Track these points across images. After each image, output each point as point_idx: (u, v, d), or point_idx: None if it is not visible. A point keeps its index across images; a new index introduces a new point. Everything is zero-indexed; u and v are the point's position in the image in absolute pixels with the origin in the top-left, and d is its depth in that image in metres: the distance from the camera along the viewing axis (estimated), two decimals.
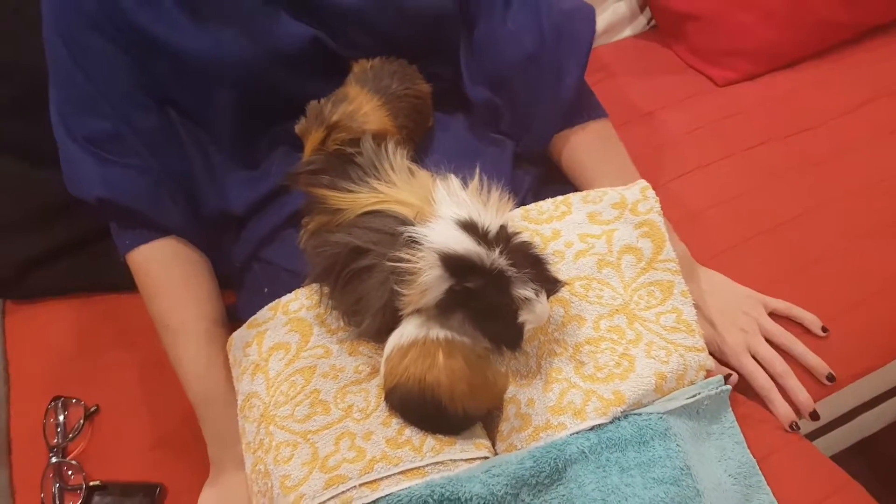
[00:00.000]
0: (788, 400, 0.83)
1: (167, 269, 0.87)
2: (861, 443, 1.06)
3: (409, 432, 0.69)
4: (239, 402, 0.79)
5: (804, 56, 1.27)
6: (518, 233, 0.69)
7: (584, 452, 0.68)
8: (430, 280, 0.64)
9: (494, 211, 0.68)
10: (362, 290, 0.71)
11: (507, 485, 0.66)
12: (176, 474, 0.88)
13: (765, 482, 0.74)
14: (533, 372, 0.73)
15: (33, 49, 0.86)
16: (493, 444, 0.73)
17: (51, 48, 0.83)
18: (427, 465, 0.68)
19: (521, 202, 0.86)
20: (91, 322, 1.04)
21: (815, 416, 0.84)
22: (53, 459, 0.90)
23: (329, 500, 0.66)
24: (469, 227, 0.65)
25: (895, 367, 0.95)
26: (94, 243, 1.05)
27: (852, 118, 1.17)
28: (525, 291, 0.65)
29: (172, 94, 0.87)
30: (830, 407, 0.91)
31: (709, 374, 0.76)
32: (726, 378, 0.78)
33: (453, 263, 0.64)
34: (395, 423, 0.70)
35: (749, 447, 0.75)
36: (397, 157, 0.74)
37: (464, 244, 0.64)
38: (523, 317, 0.66)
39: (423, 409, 0.68)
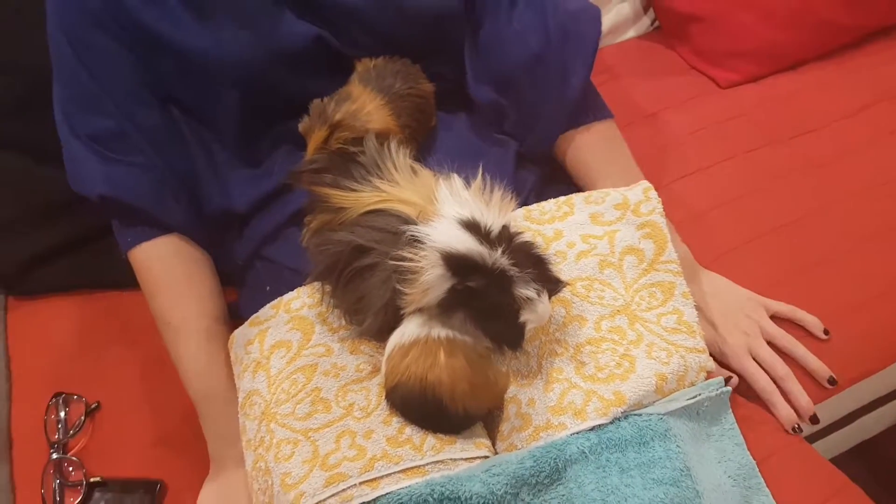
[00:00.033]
0: (789, 403, 0.83)
1: (169, 267, 0.87)
2: (861, 445, 1.06)
3: (410, 431, 0.69)
4: (240, 399, 0.79)
5: (807, 58, 1.27)
6: (520, 233, 0.69)
7: (585, 452, 0.68)
8: (432, 279, 0.64)
9: (497, 211, 0.68)
10: (364, 288, 0.71)
11: (507, 484, 0.66)
12: (176, 471, 0.88)
13: (764, 484, 0.74)
14: (534, 372, 0.73)
15: (36, 47, 0.86)
16: (494, 444, 0.73)
17: (55, 46, 0.83)
18: (427, 464, 0.68)
19: (524, 202, 0.86)
20: (93, 319, 1.04)
21: (815, 419, 0.84)
22: (54, 455, 0.90)
23: (329, 497, 0.66)
24: (471, 227, 0.65)
25: (895, 370, 0.95)
26: (97, 240, 1.05)
27: (855, 121, 1.17)
28: (527, 291, 0.65)
29: (176, 93, 0.87)
30: (830, 409, 0.91)
31: (709, 375, 0.76)
32: (727, 380, 0.78)
33: (455, 262, 0.64)
34: (396, 421, 0.70)
35: (749, 449, 0.75)
36: (400, 157, 0.74)
37: (466, 243, 0.64)
38: (525, 316, 0.66)
39: (424, 407, 0.68)
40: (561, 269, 0.78)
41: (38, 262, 1.06)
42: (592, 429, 0.70)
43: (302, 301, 0.80)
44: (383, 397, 0.72)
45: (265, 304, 0.81)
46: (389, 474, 0.67)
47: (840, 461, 0.84)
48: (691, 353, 0.74)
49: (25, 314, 1.07)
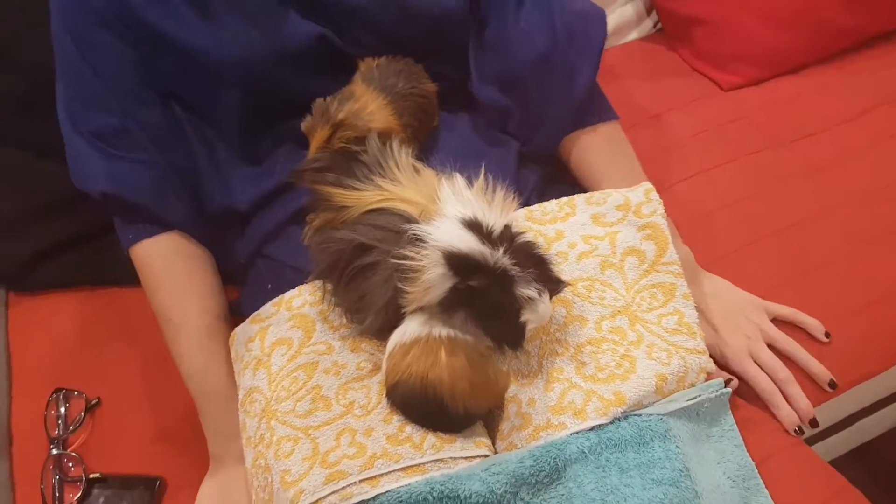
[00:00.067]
0: (789, 406, 0.83)
1: (170, 264, 0.87)
2: (861, 448, 1.06)
3: (410, 429, 0.70)
4: (240, 396, 0.79)
5: (809, 62, 1.27)
6: (522, 233, 0.69)
7: (584, 452, 0.68)
8: (433, 278, 0.65)
9: (499, 210, 0.68)
10: (366, 287, 0.71)
11: (506, 483, 0.66)
12: (176, 468, 0.88)
13: (763, 485, 0.74)
14: (534, 371, 0.74)
15: (39, 45, 0.87)
16: (494, 443, 0.73)
17: (59, 44, 0.84)
18: (427, 463, 0.68)
19: (526, 202, 0.86)
20: (94, 315, 1.04)
21: (814, 423, 0.84)
22: (54, 451, 0.90)
23: (329, 495, 0.66)
24: (473, 226, 0.65)
25: (895, 372, 0.95)
26: (99, 237, 1.06)
27: (856, 124, 1.17)
28: (528, 291, 0.65)
29: (178, 90, 0.87)
30: (830, 412, 0.91)
31: (709, 377, 0.76)
32: (727, 382, 0.78)
33: (457, 262, 0.64)
34: (396, 420, 0.70)
35: (748, 450, 0.75)
36: (402, 156, 0.74)
37: (468, 243, 0.64)
38: (526, 316, 0.67)
39: (425, 406, 0.69)
40: (562, 270, 0.78)
41: (40, 259, 1.07)
42: (592, 429, 0.70)
43: (303, 299, 0.81)
44: (384, 395, 0.72)
45: (266, 302, 0.82)
46: (389, 472, 0.67)
47: (840, 463, 0.84)
48: (691, 354, 0.75)
49: (27, 310, 1.07)
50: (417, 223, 0.67)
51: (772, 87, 1.24)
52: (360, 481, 0.67)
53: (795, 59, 1.26)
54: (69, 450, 0.91)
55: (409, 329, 0.68)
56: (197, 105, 0.88)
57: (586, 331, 0.76)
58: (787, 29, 1.24)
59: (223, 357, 0.84)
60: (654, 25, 1.40)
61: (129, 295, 1.02)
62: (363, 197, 0.72)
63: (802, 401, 0.83)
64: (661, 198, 0.83)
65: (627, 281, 0.79)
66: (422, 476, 0.67)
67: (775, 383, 0.84)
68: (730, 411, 0.77)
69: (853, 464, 0.98)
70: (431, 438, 0.69)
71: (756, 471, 0.74)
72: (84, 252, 1.07)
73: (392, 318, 0.70)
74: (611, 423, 0.70)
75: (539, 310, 0.66)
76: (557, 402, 0.71)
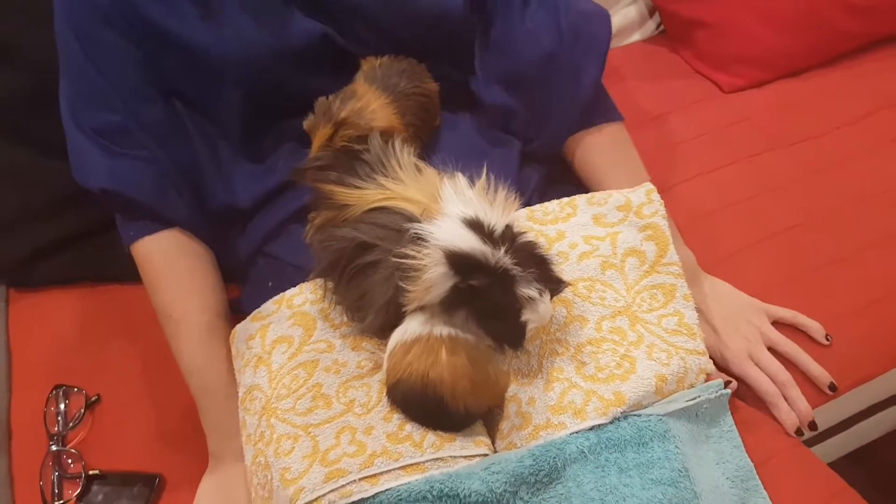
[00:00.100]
0: None
1: (171, 261, 0.87)
2: (860, 450, 1.06)
3: (410, 428, 0.70)
4: (240, 394, 0.79)
5: (811, 64, 1.27)
6: (523, 232, 0.69)
7: (584, 452, 0.68)
8: (434, 277, 0.65)
9: (500, 210, 0.68)
10: (367, 285, 0.71)
11: (505, 482, 0.66)
12: (175, 465, 0.88)
13: (762, 486, 0.74)
14: (534, 371, 0.74)
15: (43, 42, 0.87)
16: (493, 442, 0.73)
17: (62, 42, 0.84)
18: (427, 461, 0.68)
19: (527, 202, 0.86)
20: (94, 312, 1.04)
21: (813, 426, 0.84)
22: (53, 448, 0.90)
23: (329, 493, 0.66)
24: (475, 226, 0.66)
25: (894, 375, 0.95)
26: (100, 234, 1.06)
27: (858, 127, 1.17)
28: (529, 291, 0.65)
29: (181, 88, 0.87)
30: (829, 414, 0.91)
31: (708, 377, 0.76)
32: (726, 384, 0.78)
33: (458, 261, 0.64)
34: (396, 418, 0.70)
35: (747, 452, 0.76)
36: (404, 155, 0.74)
37: (469, 242, 0.65)
38: (526, 316, 0.67)
39: (425, 405, 0.69)
40: (563, 270, 0.79)
41: (41, 255, 1.07)
42: (592, 428, 0.70)
43: (304, 297, 0.81)
44: (384, 394, 0.72)
45: (267, 300, 0.82)
46: (389, 471, 0.67)
47: (839, 466, 0.84)
48: (691, 354, 0.75)
49: (27, 306, 1.07)
50: (419, 222, 0.67)
51: (774, 90, 1.25)
52: (360, 479, 0.67)
53: (797, 62, 1.27)
54: (69, 446, 0.91)
55: (410, 328, 0.69)
56: (199, 102, 0.88)
57: (586, 331, 0.76)
58: (789, 31, 1.24)
59: (223, 354, 0.84)
60: (657, 27, 1.40)
61: (129, 292, 1.02)
62: (365, 195, 0.72)
63: (802, 404, 0.83)
64: (662, 199, 0.83)
65: (628, 281, 0.79)
66: (421, 475, 0.67)
67: (776, 386, 0.84)
68: (729, 412, 0.77)
69: (852, 466, 0.98)
70: (431, 437, 0.69)
71: (755, 472, 0.75)
72: (85, 249, 1.07)
73: (393, 316, 0.70)
74: (610, 423, 0.70)
75: (540, 310, 0.66)
76: (557, 402, 0.71)
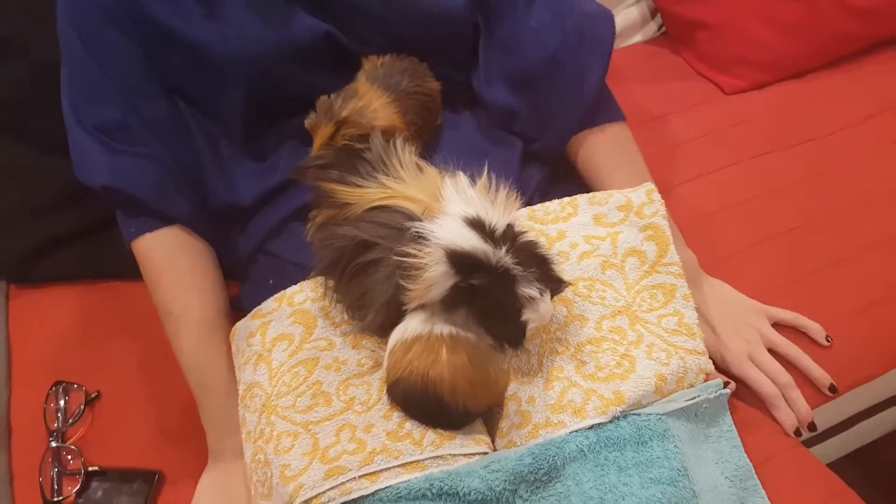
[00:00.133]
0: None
1: (172, 258, 0.87)
2: (859, 451, 1.06)
3: (410, 426, 0.70)
4: (240, 391, 0.79)
5: (813, 66, 1.27)
6: (524, 232, 0.69)
7: (583, 451, 0.68)
8: (435, 276, 0.65)
9: (502, 209, 0.68)
10: (368, 283, 0.71)
11: (505, 480, 0.66)
12: (175, 462, 0.88)
13: (760, 486, 0.74)
14: (534, 370, 0.74)
15: (45, 38, 0.87)
16: (493, 441, 0.73)
17: (65, 40, 0.84)
18: (426, 459, 0.68)
19: (528, 201, 0.86)
20: (95, 309, 1.04)
21: (812, 427, 0.84)
22: (53, 444, 0.90)
23: (328, 490, 0.67)
24: (476, 225, 0.66)
25: (894, 375, 0.95)
26: (100, 231, 1.06)
27: (859, 130, 1.17)
28: (529, 290, 0.65)
29: (184, 86, 0.87)
30: (829, 414, 0.92)
31: (708, 378, 0.76)
32: (725, 384, 0.78)
33: (459, 260, 0.64)
34: (396, 416, 0.71)
35: (747, 452, 0.76)
36: (406, 154, 0.74)
37: (470, 241, 0.65)
38: (527, 315, 0.67)
39: (425, 403, 0.69)
40: (563, 269, 0.79)
41: (42, 252, 1.07)
42: (591, 427, 0.70)
43: (305, 295, 0.81)
44: (384, 392, 0.72)
45: (268, 298, 0.82)
46: (389, 468, 0.67)
47: (838, 466, 0.84)
48: (691, 354, 0.75)
49: (28, 302, 1.07)
50: (420, 221, 0.68)
51: (775, 92, 1.25)
52: (360, 477, 0.67)
53: (799, 64, 1.27)
54: (68, 443, 0.91)
55: (411, 326, 0.69)
56: (201, 101, 0.88)
57: (587, 330, 0.76)
58: (790, 33, 1.24)
59: (224, 352, 0.84)
60: (659, 29, 1.40)
61: (130, 289, 1.02)
62: (366, 194, 0.72)
63: (802, 405, 0.84)
64: (663, 199, 0.83)
65: (628, 281, 0.79)
66: (421, 472, 0.67)
67: (776, 387, 0.84)
68: (728, 412, 0.77)
69: (851, 466, 0.98)
70: (431, 435, 0.69)
71: (753, 471, 0.75)
72: (86, 246, 1.07)
73: (393, 315, 0.70)
74: (610, 422, 0.70)
75: (540, 309, 0.67)
76: (557, 401, 0.71)
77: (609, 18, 0.91)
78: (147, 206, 0.85)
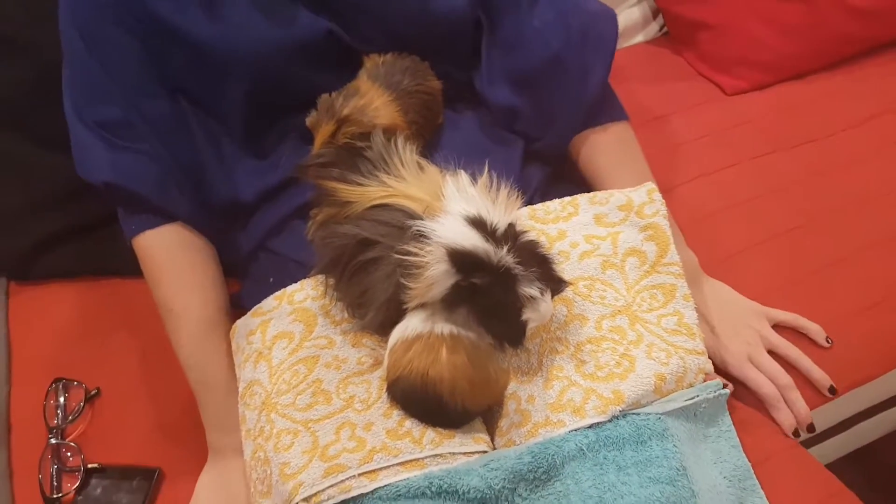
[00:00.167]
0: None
1: (172, 255, 0.87)
2: (859, 451, 1.06)
3: (410, 424, 0.70)
4: (240, 389, 0.79)
5: (814, 68, 1.27)
6: (525, 231, 0.69)
7: (582, 450, 0.68)
8: (436, 274, 0.65)
9: (503, 209, 0.68)
10: (368, 282, 0.71)
11: (504, 479, 0.66)
12: (174, 459, 0.88)
13: (759, 486, 0.74)
14: (534, 369, 0.74)
15: (47, 36, 0.87)
16: (492, 439, 0.73)
17: (66, 36, 0.84)
18: (426, 457, 0.68)
19: (529, 201, 0.87)
20: (95, 306, 1.05)
21: (811, 428, 0.85)
22: (52, 441, 0.90)
23: (328, 488, 0.67)
24: (477, 224, 0.66)
25: (894, 376, 0.95)
26: (101, 228, 1.06)
27: (860, 131, 1.17)
28: (530, 290, 0.65)
29: (186, 84, 0.87)
30: (828, 415, 0.92)
31: (707, 378, 0.76)
32: (724, 385, 0.78)
33: (460, 259, 0.64)
34: (396, 414, 0.71)
35: (745, 452, 0.76)
36: (407, 152, 0.74)
37: (471, 240, 0.65)
38: (527, 315, 0.67)
39: (425, 402, 0.69)
40: (564, 269, 0.79)
41: (43, 249, 1.07)
42: (591, 426, 0.70)
43: (305, 293, 0.81)
44: (384, 390, 0.72)
45: (268, 296, 0.82)
46: (388, 466, 0.67)
47: (837, 467, 0.84)
48: (690, 354, 0.75)
49: (28, 299, 1.07)
50: (421, 219, 0.67)
51: (776, 92, 1.25)
52: (359, 475, 0.67)
53: (800, 65, 1.27)
54: (68, 439, 0.91)
55: (412, 325, 0.69)
56: (203, 98, 0.88)
57: (586, 330, 0.76)
58: (791, 34, 1.24)
59: (224, 349, 0.84)
60: (660, 29, 1.40)
61: (130, 286, 1.02)
62: (367, 193, 0.72)
63: (802, 407, 0.84)
64: (663, 199, 0.83)
65: (628, 281, 0.80)
66: (420, 471, 0.67)
67: (776, 388, 0.84)
68: (727, 412, 0.77)
69: (850, 467, 0.98)
70: (431, 434, 0.69)
71: (752, 471, 0.75)
72: (86, 243, 1.08)
73: (394, 313, 0.70)
74: (609, 421, 0.70)
75: (541, 308, 0.67)
76: (556, 400, 0.71)
77: (612, 18, 0.91)
78: (148, 203, 0.85)
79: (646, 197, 0.83)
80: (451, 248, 0.64)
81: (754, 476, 0.74)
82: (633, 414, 0.71)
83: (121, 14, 0.82)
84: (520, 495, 0.67)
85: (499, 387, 0.73)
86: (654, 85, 1.28)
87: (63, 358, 0.99)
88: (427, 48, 0.89)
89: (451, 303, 0.67)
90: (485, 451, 0.71)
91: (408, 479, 0.66)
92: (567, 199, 0.85)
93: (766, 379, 0.84)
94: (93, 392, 0.95)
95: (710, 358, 0.77)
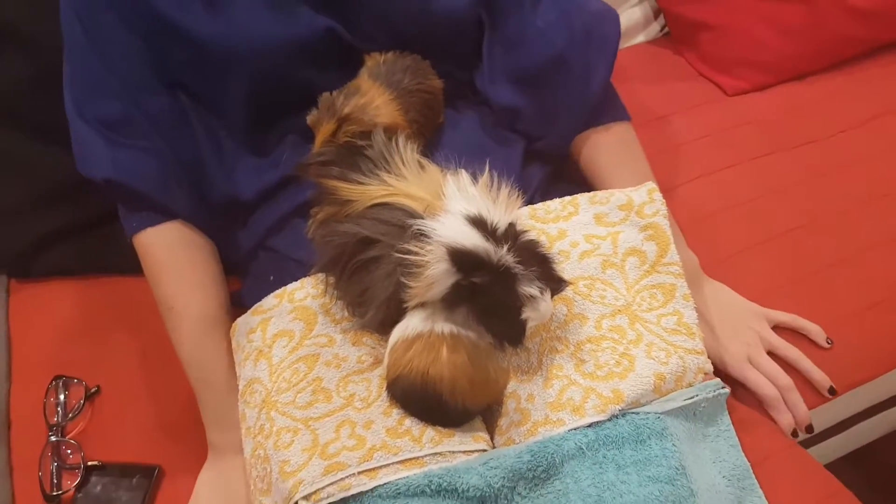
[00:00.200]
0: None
1: (173, 253, 0.87)
2: (858, 452, 1.07)
3: (409, 423, 0.70)
4: (241, 387, 0.79)
5: (816, 69, 1.27)
6: (526, 230, 0.69)
7: (582, 449, 0.68)
8: (436, 273, 0.65)
9: (503, 208, 0.68)
10: (368, 281, 0.71)
11: (504, 477, 0.66)
12: (174, 457, 0.88)
13: (758, 485, 0.74)
14: (534, 368, 0.74)
15: (48, 29, 0.87)
16: (492, 438, 0.73)
17: (67, 32, 0.84)
18: (426, 456, 0.68)
19: (530, 200, 0.87)
20: (95, 303, 1.05)
21: (810, 429, 0.85)
22: (52, 438, 0.90)
23: (327, 486, 0.67)
24: (478, 223, 0.66)
25: (893, 377, 0.95)
26: (102, 226, 1.06)
27: (861, 131, 1.17)
28: (530, 289, 0.65)
29: (187, 81, 0.87)
30: (827, 415, 0.92)
31: (706, 377, 0.76)
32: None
33: (461, 258, 0.64)
34: (396, 413, 0.71)
35: (744, 451, 0.76)
36: (408, 151, 0.74)
37: (472, 239, 0.65)
38: (527, 314, 0.67)
39: (425, 401, 0.69)
40: (564, 268, 0.79)
41: (43, 246, 1.07)
42: (590, 425, 0.70)
43: (306, 291, 0.81)
44: (384, 389, 0.72)
45: (268, 294, 0.82)
46: (388, 465, 0.67)
47: (836, 467, 0.84)
48: (690, 354, 0.75)
49: (28, 296, 1.07)
50: (422, 218, 0.67)
51: (777, 93, 1.25)
52: (359, 473, 0.67)
53: (801, 66, 1.27)
54: (68, 437, 0.91)
55: (412, 324, 0.69)
56: (203, 95, 0.88)
57: (586, 329, 0.76)
58: (792, 35, 1.24)
59: (224, 347, 0.84)
60: (661, 29, 1.40)
61: (130, 284, 1.02)
62: (368, 191, 0.72)
63: (802, 408, 0.84)
64: (663, 198, 0.83)
65: (628, 280, 0.80)
66: (420, 469, 0.67)
67: (776, 389, 0.84)
68: (727, 412, 0.77)
69: (849, 467, 0.98)
70: (430, 432, 0.69)
71: (751, 471, 0.75)
72: (87, 240, 1.07)
73: (394, 312, 0.70)
74: (609, 420, 0.70)
75: (540, 308, 0.67)
76: (556, 399, 0.72)
77: (615, 18, 0.91)
78: (149, 200, 0.85)
79: (646, 197, 0.83)
80: (452, 248, 0.64)
81: (753, 476, 0.75)
82: (633, 413, 0.71)
83: (122, 10, 0.82)
84: (519, 494, 0.67)
85: (498, 386, 0.73)
86: (654, 85, 1.28)
87: (63, 355, 0.99)
88: (428, 47, 0.89)
89: (451, 302, 0.67)
90: (484, 450, 0.71)
91: (407, 477, 0.67)
92: (567, 198, 0.85)
93: (766, 380, 0.84)
94: (93, 390, 0.95)
95: (709, 359, 0.77)
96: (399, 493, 0.66)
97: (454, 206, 0.68)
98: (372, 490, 0.67)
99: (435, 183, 0.71)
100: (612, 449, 0.69)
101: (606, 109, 0.92)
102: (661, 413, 0.71)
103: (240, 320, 0.83)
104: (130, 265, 0.90)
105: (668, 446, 0.69)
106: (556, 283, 0.69)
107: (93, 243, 1.07)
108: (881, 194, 1.07)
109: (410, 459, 0.68)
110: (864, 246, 1.01)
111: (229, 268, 0.92)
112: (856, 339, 0.92)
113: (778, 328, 0.89)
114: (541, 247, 0.69)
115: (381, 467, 0.67)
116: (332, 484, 0.67)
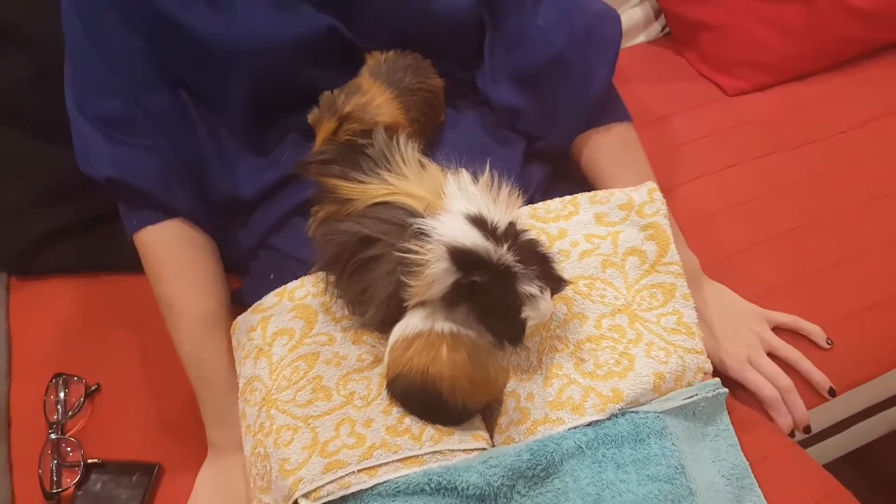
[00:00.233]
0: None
1: (173, 251, 0.87)
2: (857, 452, 1.07)
3: (409, 421, 0.70)
4: (241, 385, 0.79)
5: (816, 69, 1.27)
6: (526, 230, 0.69)
7: (581, 447, 0.69)
8: (436, 272, 0.65)
9: (504, 207, 0.68)
10: (369, 279, 0.71)
11: (503, 476, 0.67)
12: (174, 455, 0.89)
13: (756, 485, 0.74)
14: (534, 367, 0.74)
15: (49, 28, 0.87)
16: (492, 437, 0.74)
17: (69, 29, 0.84)
18: (425, 454, 0.68)
19: (530, 199, 0.87)
20: (96, 301, 1.05)
21: (807, 430, 0.85)
22: (52, 436, 0.90)
23: (327, 484, 0.67)
24: (478, 222, 0.66)
25: (892, 377, 0.95)
26: (102, 224, 1.06)
27: (862, 132, 1.17)
28: (530, 288, 0.65)
29: (188, 79, 0.87)
30: (826, 415, 0.92)
31: (706, 377, 0.76)
32: None
33: (461, 257, 0.65)
34: (396, 411, 0.71)
35: (743, 451, 0.76)
36: (408, 150, 0.75)
37: (472, 238, 0.65)
38: (527, 313, 0.67)
39: (425, 400, 0.69)
40: (564, 268, 0.79)
41: (43, 244, 1.07)
42: (590, 424, 0.70)
43: (306, 290, 0.81)
44: (384, 387, 0.72)
45: (269, 292, 0.82)
46: (388, 463, 0.67)
47: (835, 467, 0.84)
48: (689, 353, 0.75)
49: (28, 294, 1.07)
50: (422, 217, 0.68)
51: (778, 93, 1.25)
52: (359, 471, 0.67)
53: (802, 66, 1.27)
54: (68, 435, 0.91)
55: (412, 323, 0.69)
56: (205, 94, 0.88)
57: (586, 328, 0.76)
58: (793, 36, 1.24)
59: (224, 346, 0.84)
60: (662, 29, 1.40)
61: (131, 282, 1.02)
62: (368, 190, 0.72)
63: (801, 410, 0.84)
64: (664, 198, 0.83)
65: (628, 280, 0.80)
66: (420, 467, 0.67)
67: (776, 390, 0.85)
68: (726, 411, 0.77)
69: (848, 467, 0.99)
70: (430, 430, 0.69)
71: (750, 470, 0.75)
72: (87, 238, 1.08)
73: (394, 311, 0.70)
74: (608, 419, 0.71)
75: (540, 307, 0.67)
76: (556, 398, 0.72)
77: (616, 18, 0.91)
78: (150, 199, 0.85)
79: (646, 196, 0.83)
80: (452, 246, 0.64)
81: (752, 475, 0.75)
82: (632, 412, 0.71)
83: (123, 9, 0.82)
84: (518, 492, 0.67)
85: (498, 385, 0.73)
86: (655, 85, 1.28)
87: (63, 353, 0.99)
88: (429, 46, 0.90)
89: (451, 301, 0.67)
90: (484, 449, 0.71)
91: (407, 475, 0.67)
92: (568, 197, 0.85)
93: (766, 381, 0.84)
94: (93, 387, 0.95)
95: (709, 360, 0.77)
96: (399, 492, 0.66)
97: (454, 205, 0.68)
98: (372, 488, 0.67)
99: (435, 182, 0.71)
100: (611, 448, 0.69)
101: (608, 110, 0.92)
102: (660, 412, 0.72)
103: (240, 318, 0.83)
104: (131, 263, 0.90)
105: (668, 445, 0.69)
106: (556, 283, 0.69)
107: (93, 242, 1.07)
108: (881, 195, 1.08)
109: (410, 458, 0.68)
110: (865, 246, 1.01)
111: (230, 266, 0.92)
112: (856, 340, 0.92)
113: (778, 329, 0.90)
114: (541, 246, 0.69)
115: (380, 465, 0.67)
116: (331, 482, 0.67)
